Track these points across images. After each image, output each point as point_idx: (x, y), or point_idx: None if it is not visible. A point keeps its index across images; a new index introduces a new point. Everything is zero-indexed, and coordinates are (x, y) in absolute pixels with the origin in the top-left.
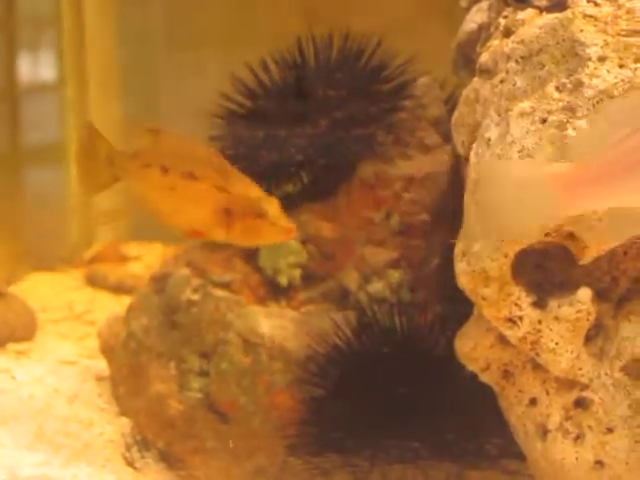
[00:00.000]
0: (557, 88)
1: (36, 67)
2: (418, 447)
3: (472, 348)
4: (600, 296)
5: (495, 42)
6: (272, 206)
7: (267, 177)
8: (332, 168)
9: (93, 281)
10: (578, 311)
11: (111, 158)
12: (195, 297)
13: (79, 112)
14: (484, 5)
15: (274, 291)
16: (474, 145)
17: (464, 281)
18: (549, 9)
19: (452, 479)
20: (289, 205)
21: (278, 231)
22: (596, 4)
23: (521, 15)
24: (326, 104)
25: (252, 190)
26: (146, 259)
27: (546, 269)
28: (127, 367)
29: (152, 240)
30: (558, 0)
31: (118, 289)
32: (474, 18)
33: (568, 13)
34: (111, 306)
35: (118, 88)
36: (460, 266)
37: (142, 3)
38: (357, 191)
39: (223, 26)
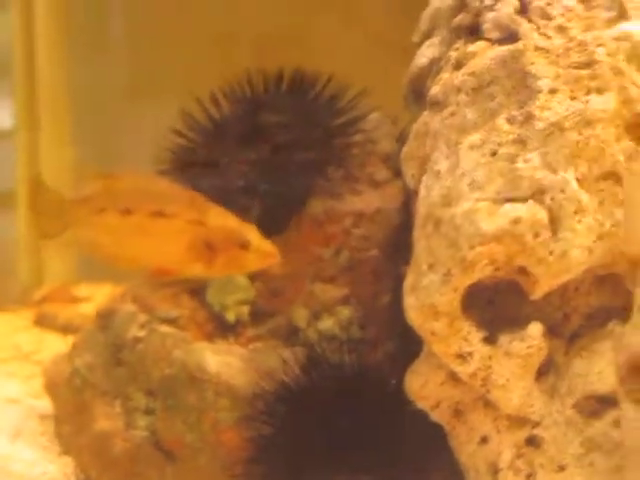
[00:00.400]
0: (508, 120)
1: None
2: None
3: (422, 385)
4: (552, 332)
5: (446, 75)
6: (253, 234)
7: None
8: (281, 205)
9: (42, 321)
10: (529, 347)
11: (60, 207)
12: (141, 334)
13: (31, 159)
14: (435, 40)
15: (222, 327)
16: (423, 178)
17: (413, 316)
18: (501, 41)
19: None
20: None
21: (261, 257)
22: (547, 37)
23: (472, 47)
24: (275, 139)
25: (230, 220)
26: (96, 299)
27: (498, 305)
28: (71, 405)
29: (102, 280)
30: (510, 32)
31: (67, 329)
32: (425, 53)
33: (519, 45)
34: (59, 346)
35: (70, 135)
36: (409, 301)
37: (97, 51)
38: (306, 227)
39: (181, 73)
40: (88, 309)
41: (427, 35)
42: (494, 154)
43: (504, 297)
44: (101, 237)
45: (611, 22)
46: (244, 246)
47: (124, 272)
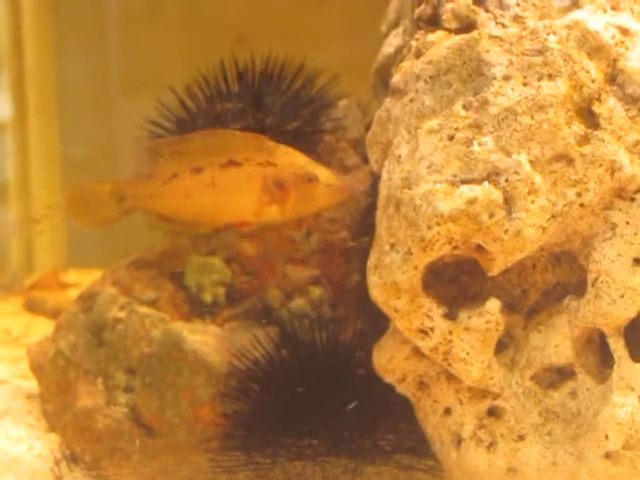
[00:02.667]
0: (464, 106)
1: None
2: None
3: (388, 360)
4: (511, 308)
5: (407, 64)
6: (321, 169)
7: None
8: None
9: (32, 307)
10: (487, 322)
11: (120, 195)
12: (121, 315)
13: (20, 151)
14: (400, 29)
15: (198, 308)
16: (385, 162)
17: (376, 293)
18: (458, 31)
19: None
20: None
21: (332, 192)
22: (503, 25)
23: (431, 37)
24: (247, 127)
25: (298, 157)
26: (85, 285)
27: (459, 282)
28: (55, 384)
29: (90, 267)
30: (468, 22)
31: (56, 315)
32: (391, 42)
33: (474, 34)
34: (48, 330)
35: (58, 129)
36: (372, 279)
37: (86, 46)
38: None
39: (170, 68)
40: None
41: (393, 25)
42: (451, 138)
43: (465, 275)
44: (177, 203)
45: (565, 10)
46: (312, 181)
47: (111, 258)
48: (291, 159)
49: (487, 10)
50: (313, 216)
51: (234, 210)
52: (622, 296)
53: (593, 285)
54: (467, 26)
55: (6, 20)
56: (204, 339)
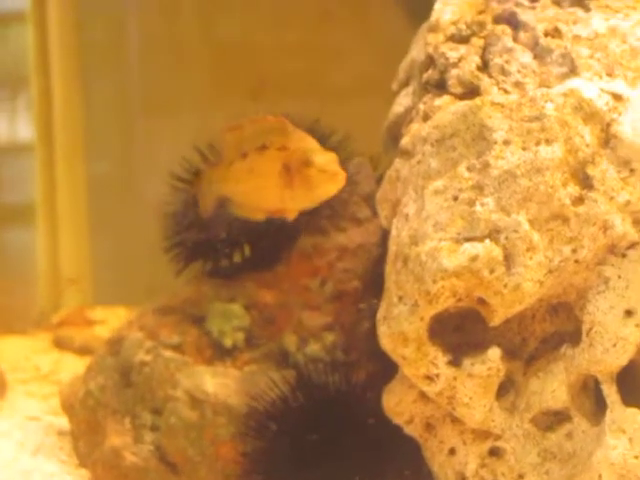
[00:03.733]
0: (467, 168)
1: (7, 129)
2: None
3: (397, 403)
4: (511, 355)
5: (415, 126)
6: (322, 155)
7: (215, 246)
8: (275, 241)
9: (60, 344)
10: (489, 369)
11: (210, 179)
12: (147, 358)
13: (47, 174)
14: (410, 89)
15: (220, 352)
16: (394, 220)
17: (385, 343)
18: (463, 96)
19: None
20: (235, 274)
21: (327, 179)
22: (505, 91)
23: (438, 101)
24: None
25: (306, 142)
26: (110, 323)
27: (463, 331)
28: (85, 423)
29: (115, 304)
30: (472, 87)
31: (84, 351)
32: (402, 101)
33: (477, 101)
34: (76, 367)
35: (85, 150)
36: (381, 329)
37: (112, 69)
38: (296, 261)
39: (196, 92)
40: (103, 332)
41: (404, 84)
42: (455, 199)
43: (469, 324)
44: (232, 188)
45: (562, 77)
46: (307, 165)
47: (134, 295)
48: (301, 144)
49: (490, 76)
50: (328, 266)
51: (268, 195)
52: (614, 345)
53: (587, 335)
54: (471, 91)
55: (32, 41)
56: (225, 382)
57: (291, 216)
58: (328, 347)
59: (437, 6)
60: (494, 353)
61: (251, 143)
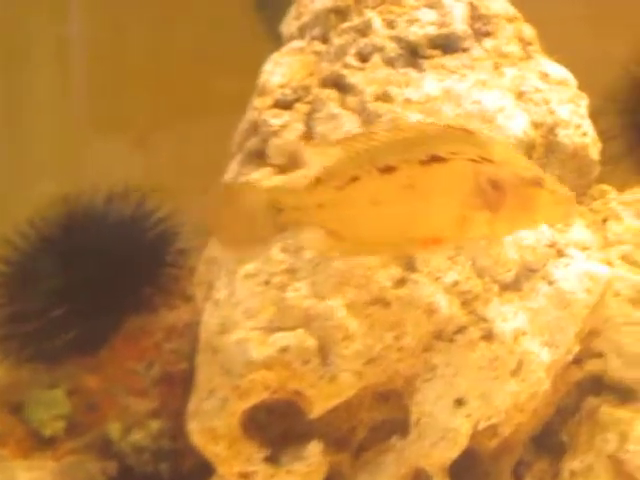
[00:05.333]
0: (282, 249)
1: None
2: None
3: None
4: (338, 446)
5: None
6: (545, 174)
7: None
8: (99, 320)
9: None
10: (309, 465)
11: (276, 205)
12: None
13: None
14: (238, 158)
15: (39, 442)
16: (206, 305)
17: (196, 439)
18: (285, 167)
19: None
20: (56, 357)
21: (557, 200)
22: None
23: (257, 174)
24: (94, 260)
25: (519, 156)
26: None
27: (286, 422)
28: None
29: None
30: (295, 158)
31: None
32: (232, 168)
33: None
34: None
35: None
36: (191, 425)
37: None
38: (121, 343)
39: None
40: None
41: (238, 150)
42: (267, 283)
43: (291, 415)
44: (358, 214)
45: None
46: (538, 184)
47: None
48: (511, 157)
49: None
50: (154, 347)
51: (435, 220)
52: (443, 438)
53: (416, 426)
54: (294, 162)
55: None
56: (41, 475)
57: (448, 246)
58: (154, 435)
59: (267, 67)
60: (314, 448)
61: (399, 153)
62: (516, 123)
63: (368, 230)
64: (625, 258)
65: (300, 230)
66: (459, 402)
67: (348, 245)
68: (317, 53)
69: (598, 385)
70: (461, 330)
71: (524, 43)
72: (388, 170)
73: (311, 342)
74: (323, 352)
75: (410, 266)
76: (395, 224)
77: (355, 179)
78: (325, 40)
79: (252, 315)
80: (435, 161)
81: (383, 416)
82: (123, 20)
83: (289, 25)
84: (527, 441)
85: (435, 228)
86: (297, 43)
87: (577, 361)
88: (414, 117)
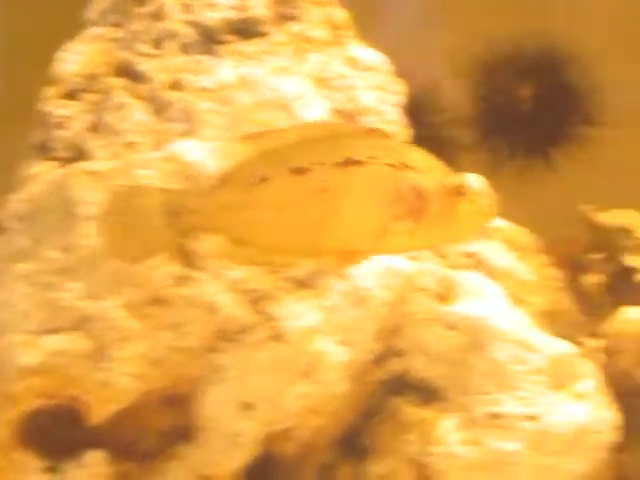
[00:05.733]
0: (55, 248)
1: None
2: None
3: None
4: (125, 454)
5: (13, 197)
6: (467, 180)
7: None
8: None
9: None
10: (90, 475)
11: (175, 209)
12: None
13: None
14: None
15: None
16: None
17: None
18: (70, 161)
19: None
20: None
21: (477, 210)
22: (116, 155)
23: (37, 168)
24: None
25: (438, 163)
26: None
27: (64, 431)
28: None
29: None
30: (79, 151)
31: None
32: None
33: (69, 169)
34: None
35: None
36: None
37: None
38: None
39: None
40: None
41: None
42: (40, 284)
43: (72, 423)
44: (267, 218)
45: (183, 134)
46: (460, 193)
47: None
48: (430, 163)
49: (101, 137)
50: None
51: (349, 228)
52: (230, 443)
53: (201, 431)
54: (79, 155)
55: None
56: None
57: (361, 261)
58: None
59: (61, 54)
60: (93, 457)
61: (312, 156)
62: (314, 110)
63: (276, 236)
64: (433, 250)
65: (200, 236)
66: (246, 405)
67: (253, 252)
68: (115, 40)
69: (401, 384)
70: (247, 330)
71: (334, 27)
72: (300, 171)
73: (86, 345)
74: (99, 355)
75: (192, 263)
76: (306, 230)
77: (264, 180)
78: (122, 26)
79: (24, 318)
80: (351, 164)
81: (171, 422)
82: None
83: (91, 11)
84: (333, 444)
85: (350, 237)
86: (96, 30)
87: (379, 360)
88: (206, 105)
